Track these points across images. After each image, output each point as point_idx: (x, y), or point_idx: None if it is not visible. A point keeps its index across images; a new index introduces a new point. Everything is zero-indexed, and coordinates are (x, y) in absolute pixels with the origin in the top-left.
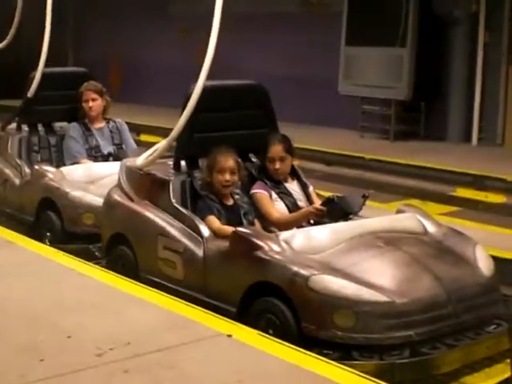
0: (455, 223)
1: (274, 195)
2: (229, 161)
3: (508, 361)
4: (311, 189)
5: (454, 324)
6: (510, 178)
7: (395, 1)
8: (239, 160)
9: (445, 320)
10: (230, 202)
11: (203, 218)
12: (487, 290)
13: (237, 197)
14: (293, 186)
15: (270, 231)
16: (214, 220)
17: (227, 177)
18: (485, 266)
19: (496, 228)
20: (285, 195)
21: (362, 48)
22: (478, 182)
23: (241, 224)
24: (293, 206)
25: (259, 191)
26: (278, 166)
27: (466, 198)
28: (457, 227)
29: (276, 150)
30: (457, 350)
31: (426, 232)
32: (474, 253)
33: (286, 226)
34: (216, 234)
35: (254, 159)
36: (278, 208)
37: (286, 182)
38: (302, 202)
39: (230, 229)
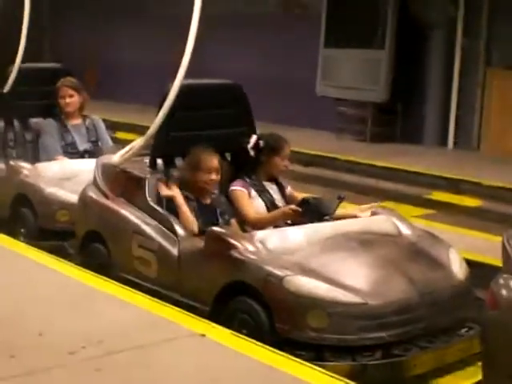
0: (430, 226)
1: (254, 193)
2: (214, 160)
3: (479, 364)
4: (289, 189)
5: (427, 326)
6: (486, 182)
7: (374, 3)
8: (221, 165)
9: (418, 322)
10: (208, 201)
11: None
12: (460, 293)
13: (213, 196)
14: (271, 186)
15: (246, 231)
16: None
17: (213, 176)
18: (458, 269)
19: (470, 231)
20: (263, 193)
21: (340, 50)
22: (454, 186)
23: (217, 223)
24: (271, 205)
25: (239, 188)
26: (287, 163)
27: (441, 201)
28: (431, 230)
29: (288, 149)
30: (429, 352)
31: (400, 234)
32: (447, 256)
33: (261, 225)
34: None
35: (229, 159)
36: (256, 206)
37: (265, 181)
38: (279, 202)
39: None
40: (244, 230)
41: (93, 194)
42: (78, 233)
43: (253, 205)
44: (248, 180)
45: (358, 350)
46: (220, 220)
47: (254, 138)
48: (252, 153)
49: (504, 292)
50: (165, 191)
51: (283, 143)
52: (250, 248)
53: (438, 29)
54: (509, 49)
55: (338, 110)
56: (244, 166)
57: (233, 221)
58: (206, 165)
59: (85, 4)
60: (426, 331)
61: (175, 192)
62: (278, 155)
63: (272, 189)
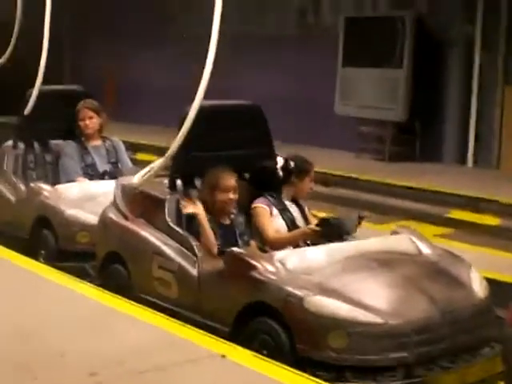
0: (450, 245)
1: (275, 211)
2: (231, 180)
3: (502, 383)
4: (306, 209)
5: (449, 346)
6: (505, 200)
7: (391, 22)
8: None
9: (439, 342)
10: (227, 222)
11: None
12: (481, 312)
13: (233, 216)
14: (292, 205)
15: (265, 251)
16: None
17: (231, 195)
18: (479, 288)
19: (490, 250)
20: (285, 212)
21: (359, 69)
22: (473, 204)
23: (236, 243)
24: (292, 225)
25: (261, 205)
26: (312, 185)
27: (460, 220)
28: (451, 249)
29: (313, 171)
30: (451, 372)
31: (420, 253)
32: (468, 275)
33: (281, 244)
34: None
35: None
36: (277, 225)
37: (287, 200)
38: (299, 221)
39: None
40: (263, 250)
41: (113, 215)
42: (98, 254)
43: (273, 224)
44: (271, 199)
45: (380, 370)
46: (239, 241)
47: (281, 159)
48: (281, 173)
49: None
50: (189, 208)
51: (311, 165)
52: (270, 268)
53: (456, 46)
54: None
55: (357, 129)
56: (264, 186)
57: (252, 242)
58: (224, 184)
59: (104, 26)
60: (448, 351)
61: (199, 209)
62: (308, 176)
63: (293, 208)
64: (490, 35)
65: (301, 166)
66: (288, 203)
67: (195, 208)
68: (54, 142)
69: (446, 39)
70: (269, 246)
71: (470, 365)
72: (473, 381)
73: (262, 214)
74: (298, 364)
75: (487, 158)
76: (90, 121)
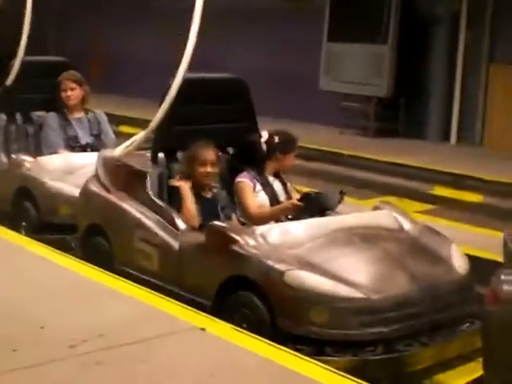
0: (432, 221)
1: (258, 186)
2: (210, 153)
3: (480, 359)
4: (289, 185)
5: (428, 322)
6: (488, 178)
7: None
8: (218, 153)
9: (419, 318)
10: (209, 195)
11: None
12: (462, 288)
13: (215, 190)
14: (275, 180)
15: (247, 225)
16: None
17: (208, 169)
18: (460, 264)
19: (472, 227)
20: (268, 188)
21: (344, 44)
22: (456, 181)
23: (218, 217)
24: (274, 200)
25: (245, 180)
26: (293, 160)
27: (443, 197)
28: (433, 225)
29: (296, 145)
30: (430, 347)
31: (401, 229)
32: (449, 251)
33: (263, 219)
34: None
35: (231, 153)
36: (259, 200)
37: (271, 175)
38: (281, 196)
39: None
40: (245, 224)
41: (94, 187)
42: (80, 226)
43: (256, 199)
44: (254, 174)
45: (360, 345)
46: (221, 214)
47: (266, 134)
48: (264, 148)
49: (504, 287)
50: (175, 182)
51: (296, 140)
52: (251, 242)
53: (442, 24)
54: None
55: (341, 104)
56: (248, 161)
57: (234, 216)
58: (202, 157)
59: None
60: (428, 327)
61: (183, 183)
62: (293, 152)
63: (275, 184)
64: (475, 13)
65: (285, 141)
66: (271, 178)
67: (180, 182)
68: (36, 114)
69: (433, 16)
70: (251, 221)
71: (450, 341)
72: (452, 356)
73: (245, 189)
74: (279, 338)
75: (471, 136)
76: (72, 92)
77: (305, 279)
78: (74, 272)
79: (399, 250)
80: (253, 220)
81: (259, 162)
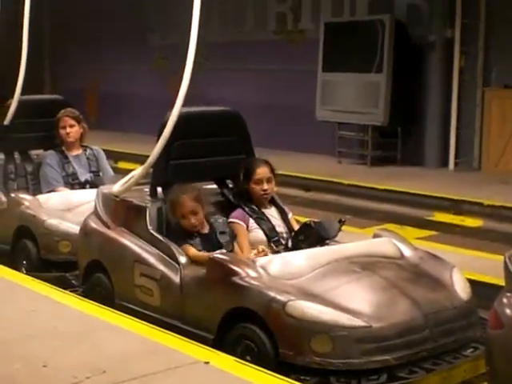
0: (432, 247)
1: (252, 222)
2: (187, 204)
3: None
4: (290, 215)
5: (432, 348)
6: (487, 202)
7: (371, 27)
8: (199, 197)
9: (422, 344)
10: (206, 231)
11: (180, 246)
12: (464, 313)
13: (215, 222)
14: (271, 212)
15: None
16: (188, 247)
17: (192, 220)
18: (462, 289)
19: (473, 252)
20: (263, 221)
21: (339, 74)
22: (455, 207)
23: (220, 246)
24: (271, 232)
25: (237, 221)
26: (266, 186)
27: (443, 223)
28: (434, 251)
29: (263, 170)
30: (434, 374)
31: (402, 256)
32: (450, 276)
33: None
34: (193, 260)
35: (230, 185)
36: (255, 237)
37: (265, 208)
38: (280, 227)
39: (205, 255)
40: None
41: (94, 224)
42: (80, 263)
43: (249, 238)
44: (246, 209)
45: (363, 373)
46: (220, 239)
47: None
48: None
49: (507, 311)
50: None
51: (255, 167)
52: (252, 274)
53: (436, 50)
54: (505, 68)
55: (338, 134)
56: (245, 194)
57: (236, 247)
58: (181, 211)
59: (84, 37)
60: (431, 353)
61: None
62: (251, 180)
63: (272, 215)
64: (469, 38)
65: (246, 169)
66: (266, 210)
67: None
68: (34, 152)
69: (426, 43)
70: None
71: (454, 366)
72: (456, 382)
73: (237, 231)
74: (282, 369)
75: (468, 161)
76: (71, 129)
77: (306, 309)
78: (74, 309)
79: (400, 277)
80: None
81: (248, 196)
